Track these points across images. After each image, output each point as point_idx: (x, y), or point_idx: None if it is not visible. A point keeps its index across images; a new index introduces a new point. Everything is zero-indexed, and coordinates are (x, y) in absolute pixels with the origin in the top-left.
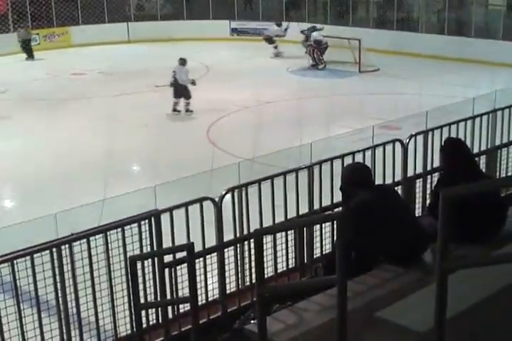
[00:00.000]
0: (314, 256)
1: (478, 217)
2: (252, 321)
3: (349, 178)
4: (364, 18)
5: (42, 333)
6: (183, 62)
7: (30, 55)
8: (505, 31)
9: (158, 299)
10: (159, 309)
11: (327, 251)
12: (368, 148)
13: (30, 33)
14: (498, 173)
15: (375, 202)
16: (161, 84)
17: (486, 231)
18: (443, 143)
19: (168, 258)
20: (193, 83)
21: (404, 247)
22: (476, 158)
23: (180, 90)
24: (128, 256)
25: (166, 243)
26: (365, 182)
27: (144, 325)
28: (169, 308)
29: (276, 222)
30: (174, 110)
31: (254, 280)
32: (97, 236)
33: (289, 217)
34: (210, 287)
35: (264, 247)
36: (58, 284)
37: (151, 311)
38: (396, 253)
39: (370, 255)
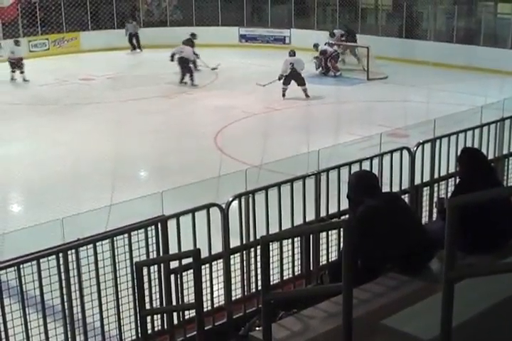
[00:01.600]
0: (320, 264)
1: (487, 226)
2: (257, 328)
3: (356, 186)
4: (373, 25)
5: (47, 338)
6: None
7: (137, 47)
8: None
9: (164, 305)
10: (165, 315)
11: (333, 259)
12: (375, 156)
13: (137, 28)
14: (505, 182)
15: (382, 210)
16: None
17: (495, 240)
18: (460, 152)
19: (174, 264)
20: None
21: (411, 255)
22: None
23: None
24: (134, 262)
25: (173, 249)
26: (372, 190)
27: (149, 331)
28: (174, 314)
29: (282, 228)
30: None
31: (259, 287)
32: (103, 242)
33: (295, 224)
34: (215, 293)
35: (271, 254)
36: (64, 289)
37: (157, 317)
38: (402, 261)
39: (376, 263)
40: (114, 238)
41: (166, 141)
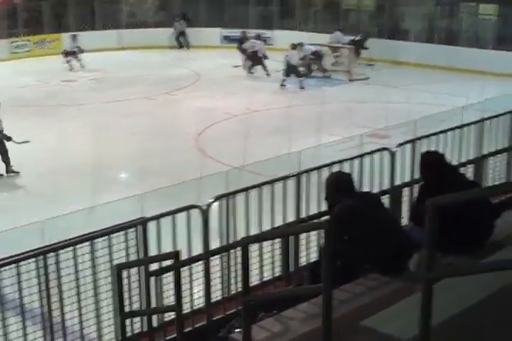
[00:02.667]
0: (300, 265)
1: (465, 227)
2: (237, 330)
3: (332, 187)
4: (355, 26)
5: None
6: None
7: (184, 46)
8: (494, 40)
9: (144, 307)
10: (144, 317)
11: (313, 260)
12: (356, 157)
13: (184, 26)
14: (485, 182)
15: (358, 209)
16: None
17: (472, 241)
18: (421, 157)
19: (154, 266)
20: None
21: (389, 255)
22: (464, 167)
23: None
24: (114, 265)
25: (153, 251)
26: (348, 191)
27: (129, 334)
28: (154, 317)
29: (263, 230)
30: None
31: (239, 289)
32: (83, 244)
33: (276, 225)
34: (195, 295)
35: (251, 255)
36: (44, 292)
37: (136, 319)
38: (381, 262)
39: (355, 263)
40: (94, 240)
41: (147, 143)
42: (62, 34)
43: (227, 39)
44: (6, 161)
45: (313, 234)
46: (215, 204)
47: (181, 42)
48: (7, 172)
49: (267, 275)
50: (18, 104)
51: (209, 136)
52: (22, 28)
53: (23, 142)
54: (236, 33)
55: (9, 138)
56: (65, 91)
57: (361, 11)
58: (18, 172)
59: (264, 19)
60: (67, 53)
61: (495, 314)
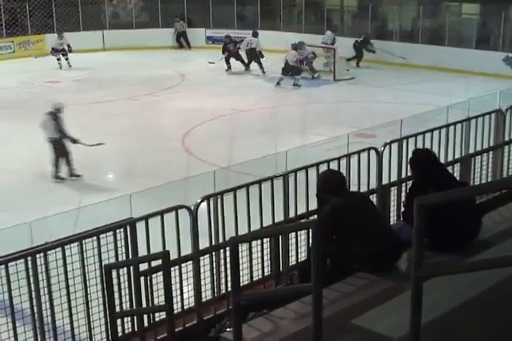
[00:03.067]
0: (290, 264)
1: (452, 226)
2: (227, 329)
3: (323, 185)
4: (339, 26)
5: None
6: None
7: (185, 45)
8: (478, 40)
9: (134, 307)
10: (135, 317)
11: (302, 259)
12: (342, 156)
13: (185, 27)
14: (472, 181)
15: (348, 208)
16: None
17: (461, 239)
18: (411, 155)
19: (143, 266)
20: None
21: (378, 254)
22: (450, 166)
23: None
24: (103, 265)
25: (142, 251)
26: (339, 189)
27: (120, 334)
28: (145, 317)
29: (251, 230)
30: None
31: (229, 289)
32: (72, 245)
33: (264, 225)
34: (185, 295)
35: (240, 255)
36: (33, 293)
37: (127, 319)
38: (370, 261)
39: (344, 262)
40: (83, 241)
41: (133, 144)
42: (46, 35)
43: (211, 39)
44: (69, 164)
45: (303, 233)
46: (203, 204)
47: (182, 42)
48: (70, 175)
49: (257, 275)
50: (2, 106)
51: (195, 136)
52: (5, 29)
53: (97, 144)
54: (220, 33)
55: (75, 141)
56: (48, 92)
57: (344, 11)
58: (80, 176)
59: (247, 19)
60: (55, 51)
61: (484, 312)
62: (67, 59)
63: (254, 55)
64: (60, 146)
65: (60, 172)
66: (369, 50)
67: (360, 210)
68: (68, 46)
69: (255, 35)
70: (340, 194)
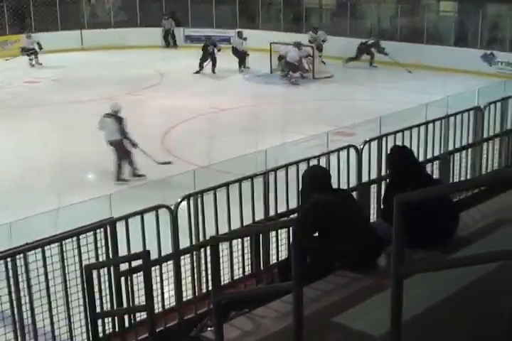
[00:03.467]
0: (270, 263)
1: (431, 223)
2: (209, 328)
3: (308, 182)
4: (317, 25)
5: None
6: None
7: (172, 45)
8: (456, 37)
9: (115, 308)
10: (116, 318)
11: (283, 258)
12: (322, 154)
13: (173, 25)
14: (451, 178)
15: (329, 204)
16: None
17: (439, 236)
18: (389, 152)
19: (124, 266)
20: None
21: (358, 252)
22: (429, 164)
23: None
24: (84, 265)
25: (122, 251)
26: (323, 187)
27: (101, 334)
28: (126, 317)
29: (232, 228)
30: None
31: (210, 288)
32: (52, 246)
33: (245, 223)
34: (166, 295)
35: (220, 254)
36: (13, 294)
37: (108, 320)
38: (350, 258)
39: (325, 259)
40: (63, 241)
41: None
42: (24, 35)
43: (189, 39)
44: (132, 165)
45: (284, 232)
46: (184, 204)
47: (169, 41)
48: (133, 175)
49: (238, 274)
50: None
51: (175, 135)
52: None
53: (164, 163)
54: (199, 32)
55: (135, 145)
56: (27, 92)
57: (323, 10)
58: (143, 175)
59: (226, 18)
60: (25, 50)
61: (464, 308)
62: (36, 57)
63: (241, 55)
64: (121, 148)
65: (123, 173)
66: (381, 52)
67: (344, 207)
68: (38, 44)
69: (240, 35)
70: (324, 191)
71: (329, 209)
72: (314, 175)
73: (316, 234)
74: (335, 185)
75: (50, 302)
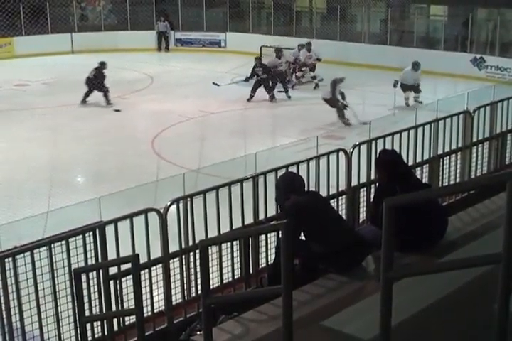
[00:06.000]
0: (260, 267)
1: (419, 226)
2: (198, 332)
3: (283, 187)
4: (308, 28)
5: None
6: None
7: (164, 48)
8: (445, 41)
9: (104, 311)
10: (105, 321)
11: (272, 261)
12: (312, 158)
13: (168, 28)
14: (440, 182)
15: (308, 205)
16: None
17: (427, 240)
18: (377, 155)
19: (113, 270)
20: None
21: (341, 253)
22: (419, 167)
23: None
24: (72, 269)
25: (111, 255)
26: (297, 190)
27: (90, 338)
28: (115, 321)
29: (221, 232)
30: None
31: (200, 291)
32: (41, 249)
33: (234, 227)
34: (155, 298)
35: (210, 258)
36: (2, 298)
37: (97, 324)
38: (334, 260)
39: (309, 261)
40: (52, 245)
41: (102, 147)
42: (14, 38)
43: (180, 42)
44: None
45: (273, 236)
46: (173, 207)
47: (162, 44)
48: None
49: (227, 278)
50: None
51: (165, 138)
52: None
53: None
54: (189, 35)
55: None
56: (17, 95)
57: (313, 13)
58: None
59: (216, 22)
60: None
61: (454, 312)
62: None
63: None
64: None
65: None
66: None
67: (320, 207)
68: None
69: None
70: (299, 194)
71: (307, 209)
72: (291, 179)
73: (302, 237)
74: (324, 188)
75: (38, 306)
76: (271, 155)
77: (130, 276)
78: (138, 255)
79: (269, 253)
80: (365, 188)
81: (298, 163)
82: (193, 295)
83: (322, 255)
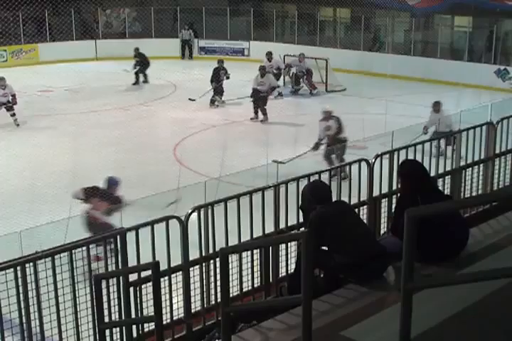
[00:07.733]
0: (280, 276)
1: (440, 238)
2: (217, 340)
3: (309, 196)
4: (331, 38)
5: None
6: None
7: (188, 56)
8: (469, 52)
9: (123, 318)
10: (124, 328)
11: (292, 271)
12: (334, 168)
13: (192, 36)
14: (462, 194)
15: (332, 217)
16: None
17: (448, 251)
18: (400, 166)
19: (133, 276)
20: None
21: (363, 264)
22: (441, 179)
23: None
24: (93, 275)
25: (132, 261)
26: (324, 199)
27: None
28: (134, 327)
29: (242, 241)
30: None
31: (219, 300)
32: (62, 255)
33: (254, 236)
34: (175, 306)
35: (230, 266)
36: (22, 303)
37: (116, 330)
38: (355, 270)
39: (330, 271)
40: (73, 251)
41: (124, 154)
42: (39, 44)
43: (203, 50)
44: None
45: (294, 245)
46: (194, 215)
47: (185, 52)
48: None
49: (247, 286)
50: None
51: (187, 146)
52: None
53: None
54: (213, 44)
55: None
56: (40, 101)
57: (337, 23)
58: None
59: (240, 30)
60: None
61: (475, 324)
62: (13, 115)
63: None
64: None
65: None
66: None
67: (346, 219)
68: (13, 97)
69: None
70: (325, 203)
71: (334, 221)
72: (316, 189)
73: (325, 247)
74: (346, 199)
75: (58, 312)
76: (292, 165)
77: (150, 283)
78: (158, 262)
79: (289, 263)
80: (386, 199)
81: (319, 172)
82: (212, 303)
83: (344, 266)
